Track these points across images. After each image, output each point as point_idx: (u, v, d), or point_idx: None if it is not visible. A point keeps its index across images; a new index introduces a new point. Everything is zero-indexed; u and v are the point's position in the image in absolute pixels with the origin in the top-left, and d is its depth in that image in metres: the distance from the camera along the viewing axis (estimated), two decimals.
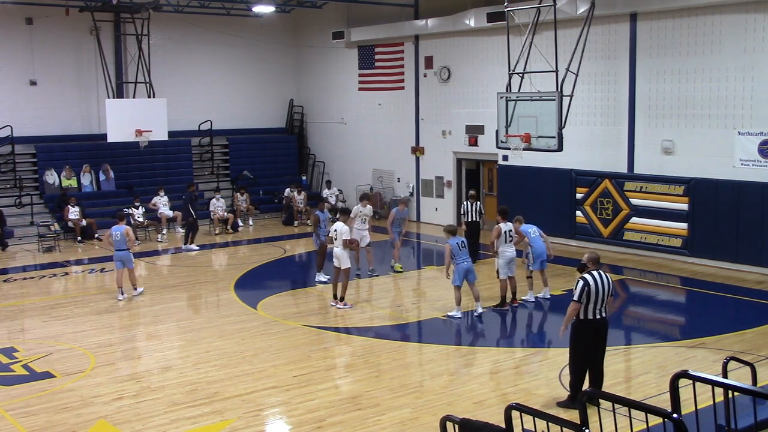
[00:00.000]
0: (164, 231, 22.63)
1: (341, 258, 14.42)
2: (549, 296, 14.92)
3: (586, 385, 9.46)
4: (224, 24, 26.62)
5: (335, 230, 14.57)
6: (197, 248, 20.86)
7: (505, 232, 14.18)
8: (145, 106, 22.53)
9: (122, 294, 15.51)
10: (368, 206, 17.33)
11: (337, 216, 15.51)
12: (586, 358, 9.41)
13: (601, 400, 6.25)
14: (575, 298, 9.19)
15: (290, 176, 27.26)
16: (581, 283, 9.19)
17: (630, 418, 6.58)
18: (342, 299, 14.49)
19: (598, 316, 9.26)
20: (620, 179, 18.85)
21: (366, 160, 26.33)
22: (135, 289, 15.82)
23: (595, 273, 9.29)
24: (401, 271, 17.59)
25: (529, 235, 14.63)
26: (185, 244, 20.90)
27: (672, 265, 17.69)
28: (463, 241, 13.92)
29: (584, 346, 9.36)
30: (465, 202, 18.57)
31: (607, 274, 9.46)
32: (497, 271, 14.44)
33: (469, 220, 18.20)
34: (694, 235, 17.60)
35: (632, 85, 18.55)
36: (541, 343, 13.21)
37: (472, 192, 18.86)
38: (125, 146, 23.38)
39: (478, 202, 18.50)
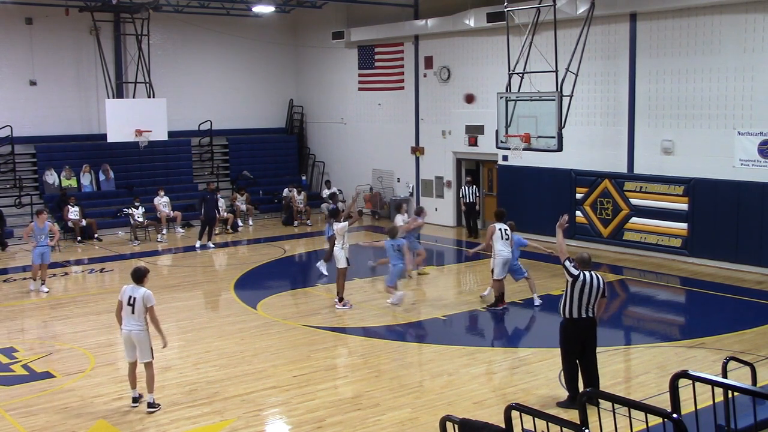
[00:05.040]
0: (164, 231, 22.64)
1: (338, 257, 14.44)
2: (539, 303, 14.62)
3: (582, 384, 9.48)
4: (224, 24, 26.63)
5: (334, 229, 14.61)
6: (199, 246, 21.00)
7: (500, 229, 14.10)
8: (144, 106, 22.54)
9: (41, 284, 16.26)
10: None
11: (332, 214, 15.59)
12: (576, 358, 9.46)
13: (601, 400, 6.25)
14: (567, 262, 9.44)
15: (290, 176, 27.26)
16: (578, 272, 9.34)
17: (630, 418, 6.59)
18: (341, 299, 14.50)
19: (584, 315, 9.32)
20: (620, 179, 18.85)
21: (366, 160, 26.32)
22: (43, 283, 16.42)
23: (586, 273, 9.32)
24: (427, 273, 17.22)
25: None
26: (209, 240, 21.26)
27: (672, 265, 17.69)
28: (399, 245, 14.29)
29: (572, 346, 9.42)
30: (464, 186, 21.94)
31: (600, 276, 9.49)
32: (492, 271, 14.36)
33: (468, 201, 21.57)
34: (694, 235, 17.60)
35: (632, 85, 18.55)
36: (540, 343, 13.18)
37: (468, 178, 22.20)
38: (125, 146, 23.39)
39: (475, 186, 21.74)
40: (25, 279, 17.72)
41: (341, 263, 14.42)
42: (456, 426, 6.29)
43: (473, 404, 9.66)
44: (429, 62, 23.90)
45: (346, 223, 14.53)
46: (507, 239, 14.07)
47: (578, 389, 9.31)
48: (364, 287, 16.15)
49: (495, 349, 12.58)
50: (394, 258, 14.34)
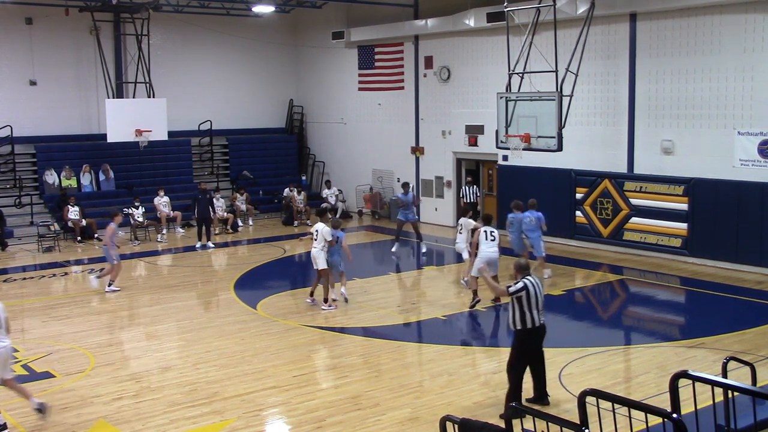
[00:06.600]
0: (164, 231, 22.64)
1: (317, 259, 14.42)
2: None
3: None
4: (224, 24, 26.63)
5: (316, 230, 14.50)
6: (199, 246, 21.12)
7: (485, 231, 14.15)
8: (144, 106, 22.54)
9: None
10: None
11: (336, 216, 15.57)
12: (527, 363, 9.36)
13: (600, 400, 6.26)
14: (510, 290, 9.19)
15: (290, 176, 27.26)
16: (521, 284, 9.16)
17: (630, 418, 6.59)
18: (326, 300, 14.48)
19: (537, 324, 9.19)
20: (620, 179, 18.85)
21: (366, 160, 26.33)
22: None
23: (530, 278, 9.26)
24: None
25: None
26: (209, 240, 21.32)
27: (672, 265, 17.69)
28: (338, 237, 14.42)
29: (528, 355, 9.31)
30: (464, 187, 22.24)
31: (536, 277, 9.43)
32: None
33: (468, 201, 21.73)
34: (693, 235, 17.60)
35: (632, 85, 18.55)
36: None
37: (469, 178, 22.42)
38: (125, 146, 23.39)
39: (475, 186, 22.00)
40: (25, 279, 17.74)
41: (321, 264, 14.41)
42: (456, 426, 6.29)
43: (473, 404, 9.66)
44: (429, 62, 23.90)
45: (330, 230, 14.45)
46: (493, 240, 14.11)
47: (521, 397, 9.26)
48: (364, 287, 16.15)
49: (495, 348, 12.56)
50: (332, 250, 14.44)
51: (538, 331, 9.27)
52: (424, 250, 19.74)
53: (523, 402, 9.33)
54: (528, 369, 9.40)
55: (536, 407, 8.96)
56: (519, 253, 16.08)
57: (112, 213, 17.03)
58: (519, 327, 9.22)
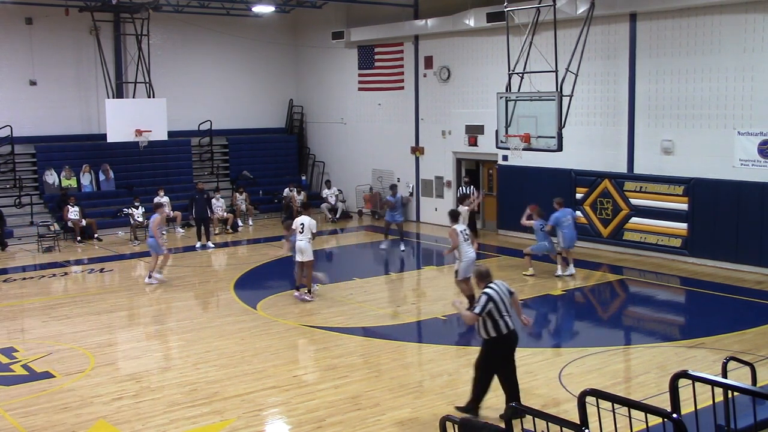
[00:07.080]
0: (164, 231, 22.59)
1: (304, 251, 14.66)
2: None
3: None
4: (224, 24, 26.63)
5: (302, 224, 14.75)
6: (199, 246, 21.20)
7: (460, 232, 13.87)
8: (144, 106, 22.53)
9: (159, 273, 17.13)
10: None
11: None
12: (494, 372, 9.18)
13: (600, 400, 6.26)
14: (477, 311, 8.89)
15: (290, 176, 27.26)
16: (484, 298, 8.89)
17: (630, 418, 6.59)
18: (309, 291, 14.91)
19: (505, 331, 8.95)
20: (620, 179, 18.85)
21: (366, 160, 26.33)
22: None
23: (492, 285, 9.02)
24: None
25: (562, 224, 16.33)
26: (209, 240, 21.43)
27: (672, 265, 17.69)
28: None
29: (496, 362, 9.11)
30: (462, 186, 21.84)
31: (499, 281, 9.22)
32: (456, 272, 14.21)
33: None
34: (693, 235, 17.60)
35: (632, 85, 18.55)
36: (540, 343, 13.18)
37: (466, 179, 22.21)
38: (125, 146, 23.39)
39: (473, 186, 21.44)
40: (25, 279, 17.74)
41: (309, 256, 14.69)
42: (456, 426, 6.29)
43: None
44: (429, 62, 23.90)
45: (314, 222, 15.00)
46: (467, 240, 13.82)
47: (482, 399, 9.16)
48: (364, 287, 16.15)
49: None
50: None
51: (506, 339, 9.00)
52: (402, 248, 20.17)
53: (454, 409, 9.23)
54: (484, 377, 9.16)
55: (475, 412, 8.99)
56: (552, 250, 16.74)
57: (155, 205, 17.92)
58: (494, 334, 8.97)
